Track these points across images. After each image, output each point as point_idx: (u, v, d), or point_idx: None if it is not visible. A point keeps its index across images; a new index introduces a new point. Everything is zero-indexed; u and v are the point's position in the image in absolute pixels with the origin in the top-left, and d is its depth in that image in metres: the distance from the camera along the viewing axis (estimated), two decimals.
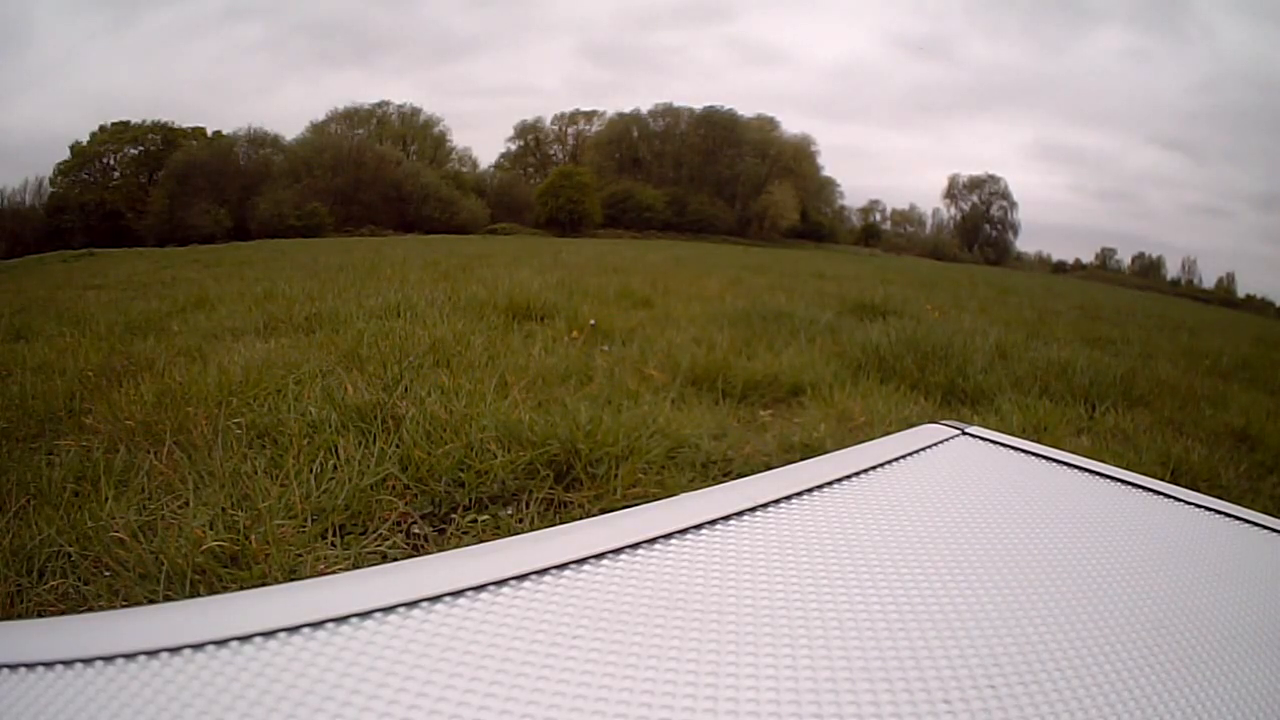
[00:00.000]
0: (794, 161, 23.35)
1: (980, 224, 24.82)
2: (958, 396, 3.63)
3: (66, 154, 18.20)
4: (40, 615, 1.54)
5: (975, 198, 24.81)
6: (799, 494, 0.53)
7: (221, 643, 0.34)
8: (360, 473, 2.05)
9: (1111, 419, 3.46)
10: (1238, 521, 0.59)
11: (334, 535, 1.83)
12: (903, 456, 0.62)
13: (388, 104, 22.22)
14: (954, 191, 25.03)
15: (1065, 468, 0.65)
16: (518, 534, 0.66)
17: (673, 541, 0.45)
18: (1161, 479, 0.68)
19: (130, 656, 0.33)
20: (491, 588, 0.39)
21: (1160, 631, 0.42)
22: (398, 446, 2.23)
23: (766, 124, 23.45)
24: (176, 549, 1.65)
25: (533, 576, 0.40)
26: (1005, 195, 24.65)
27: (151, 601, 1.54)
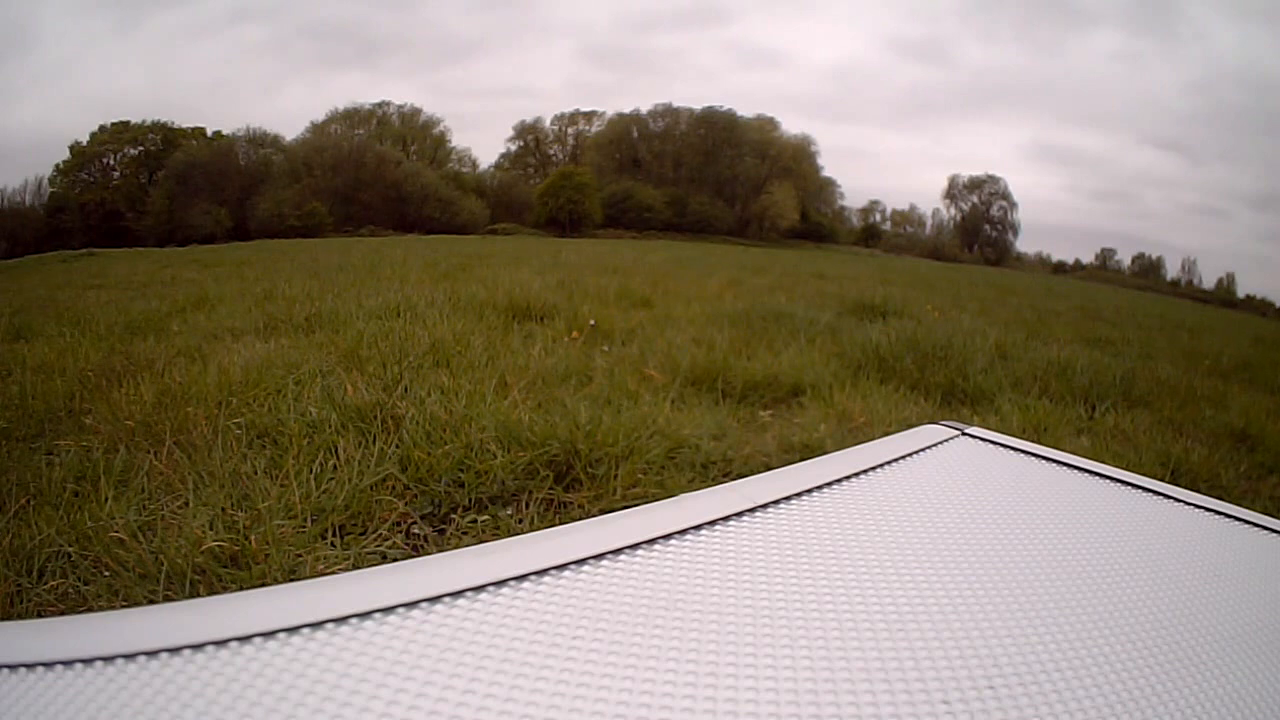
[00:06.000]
0: (794, 162, 23.38)
1: (980, 224, 24.85)
2: (957, 397, 3.63)
3: (67, 154, 18.23)
4: (40, 615, 1.54)
5: (975, 198, 24.85)
6: (799, 494, 0.53)
7: (221, 643, 0.34)
8: (360, 473, 2.05)
9: (1111, 419, 3.46)
10: (1238, 522, 0.59)
11: (334, 535, 1.83)
12: (903, 457, 0.62)
13: (388, 104, 22.26)
14: (954, 192, 25.07)
15: (1065, 468, 0.65)
16: (518, 534, 0.65)
17: (672, 541, 0.45)
18: (1161, 479, 0.68)
19: (130, 656, 0.33)
20: (491, 588, 0.39)
21: (1160, 631, 0.42)
22: (397, 447, 2.22)
23: (766, 124, 23.49)
24: (176, 549, 1.65)
25: (533, 576, 0.40)
26: (1005, 195, 24.70)
27: (151, 601, 1.54)
